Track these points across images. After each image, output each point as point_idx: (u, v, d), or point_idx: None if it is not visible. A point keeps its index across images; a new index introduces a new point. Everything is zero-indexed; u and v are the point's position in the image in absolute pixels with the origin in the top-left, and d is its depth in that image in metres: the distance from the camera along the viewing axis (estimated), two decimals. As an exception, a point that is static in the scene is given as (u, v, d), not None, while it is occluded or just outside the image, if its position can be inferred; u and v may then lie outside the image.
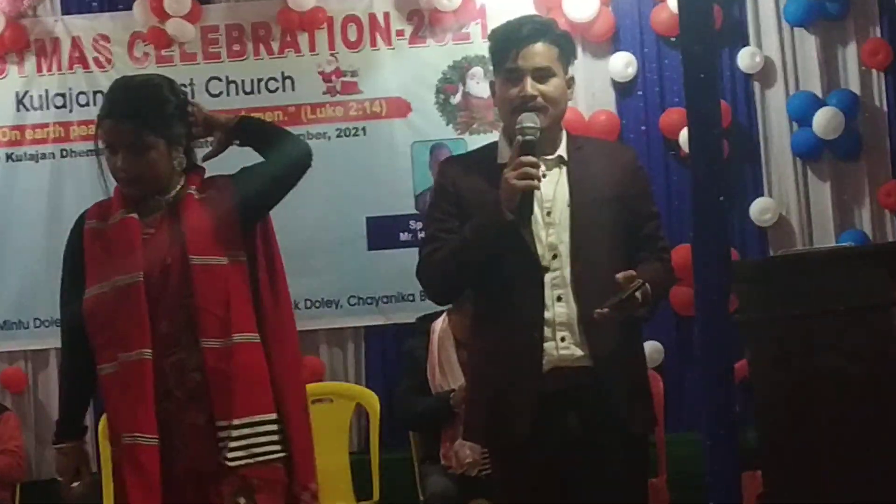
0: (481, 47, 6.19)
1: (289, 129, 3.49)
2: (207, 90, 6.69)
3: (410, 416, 5.49)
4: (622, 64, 6.73)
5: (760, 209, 6.66)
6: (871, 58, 6.67)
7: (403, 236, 6.57)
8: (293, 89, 6.77)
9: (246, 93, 6.71)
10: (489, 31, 3.56)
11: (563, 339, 3.30)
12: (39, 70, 6.76)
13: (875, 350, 3.80)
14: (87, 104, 6.72)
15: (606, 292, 3.24)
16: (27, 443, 6.48)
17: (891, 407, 3.79)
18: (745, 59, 6.69)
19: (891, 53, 6.65)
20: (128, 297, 3.14)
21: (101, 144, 3.27)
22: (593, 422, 3.31)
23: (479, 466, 5.11)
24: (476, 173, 3.40)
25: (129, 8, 6.74)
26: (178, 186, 3.27)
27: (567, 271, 3.32)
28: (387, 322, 6.71)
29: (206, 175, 3.33)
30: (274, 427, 3.23)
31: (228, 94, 6.74)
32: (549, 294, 3.30)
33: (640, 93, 6.80)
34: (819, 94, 6.67)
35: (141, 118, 3.19)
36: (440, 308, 5.44)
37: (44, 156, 6.75)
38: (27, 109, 6.76)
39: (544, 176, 3.34)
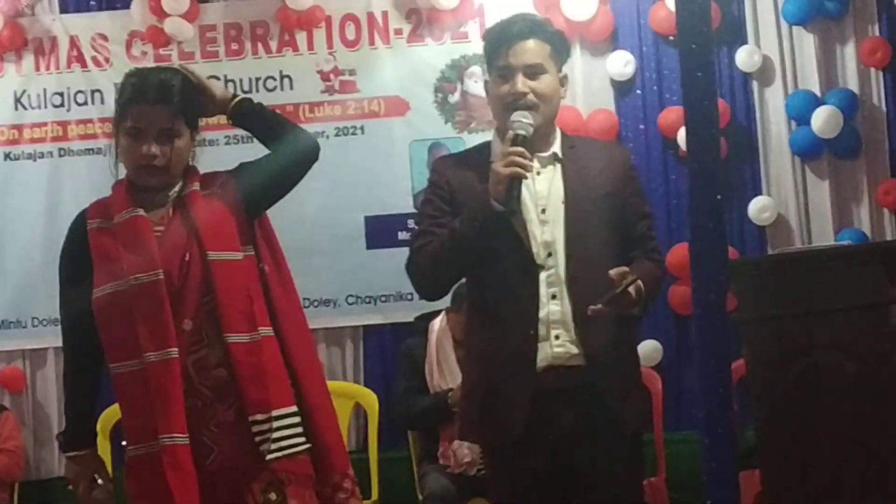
0: (479, 46, 6.08)
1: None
2: (205, 89, 6.70)
3: (409, 415, 5.52)
4: (621, 63, 6.73)
5: (759, 208, 6.66)
6: (869, 56, 6.67)
7: (402, 235, 6.54)
8: (291, 88, 6.77)
9: (244, 91, 6.65)
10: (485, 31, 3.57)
11: (557, 338, 3.32)
12: (37, 69, 6.75)
13: (873, 348, 3.78)
14: (85, 103, 6.73)
15: (600, 290, 3.25)
16: (25, 442, 6.50)
17: (889, 405, 3.78)
18: (744, 57, 6.69)
19: (889, 52, 6.65)
20: (148, 295, 3.10)
21: (121, 132, 3.20)
22: (587, 420, 3.32)
23: (477, 466, 5.13)
24: (469, 171, 3.41)
25: (127, 7, 6.73)
26: (180, 183, 3.24)
27: (562, 269, 3.33)
28: (385, 321, 6.70)
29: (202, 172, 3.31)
30: (297, 419, 3.23)
31: (226, 93, 6.75)
32: (544, 292, 3.32)
33: (638, 91, 6.80)
34: (818, 92, 6.67)
35: (174, 103, 3.16)
36: (438, 307, 5.46)
37: (42, 155, 6.75)
38: (25, 108, 6.75)
39: (538, 174, 3.37)
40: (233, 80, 6.68)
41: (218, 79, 6.68)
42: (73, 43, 6.75)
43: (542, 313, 3.31)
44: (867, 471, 3.72)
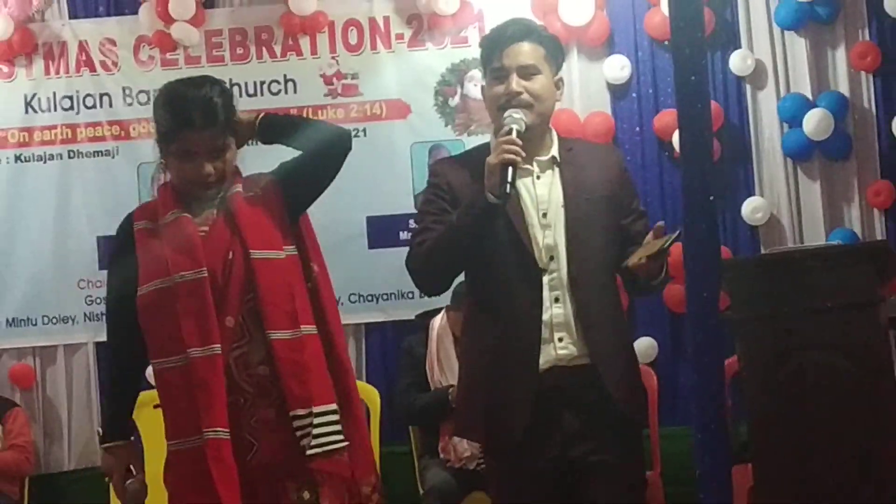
0: (479, 51, 6.22)
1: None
2: (211, 93, 6.74)
3: (410, 411, 5.54)
4: (617, 67, 6.75)
5: (752, 208, 6.69)
6: (859, 60, 6.69)
7: (403, 235, 6.54)
8: (295, 92, 6.79)
9: (249, 95, 6.71)
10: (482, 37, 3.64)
11: (560, 340, 3.33)
12: (47, 73, 6.80)
13: (863, 346, 3.85)
14: (94, 106, 6.78)
15: (602, 291, 3.30)
16: (35, 437, 6.54)
17: (879, 402, 3.83)
18: (737, 61, 6.71)
19: (879, 56, 6.67)
20: (192, 292, 3.14)
21: (170, 154, 3.23)
22: (590, 419, 3.33)
23: (477, 460, 5.16)
24: (469, 172, 3.41)
25: (135, 12, 6.77)
26: (224, 185, 3.27)
27: (564, 272, 3.34)
28: (387, 319, 6.73)
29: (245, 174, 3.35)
30: (336, 417, 3.25)
31: (232, 97, 6.79)
32: (547, 295, 3.33)
33: (634, 95, 6.82)
34: (809, 95, 6.69)
35: (219, 123, 3.20)
36: (439, 305, 5.53)
37: (51, 157, 6.79)
38: (35, 111, 6.79)
39: (538, 178, 3.39)
40: (238, 84, 6.67)
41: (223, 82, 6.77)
42: (82, 47, 6.79)
43: (545, 316, 3.31)
44: (858, 466, 3.79)
